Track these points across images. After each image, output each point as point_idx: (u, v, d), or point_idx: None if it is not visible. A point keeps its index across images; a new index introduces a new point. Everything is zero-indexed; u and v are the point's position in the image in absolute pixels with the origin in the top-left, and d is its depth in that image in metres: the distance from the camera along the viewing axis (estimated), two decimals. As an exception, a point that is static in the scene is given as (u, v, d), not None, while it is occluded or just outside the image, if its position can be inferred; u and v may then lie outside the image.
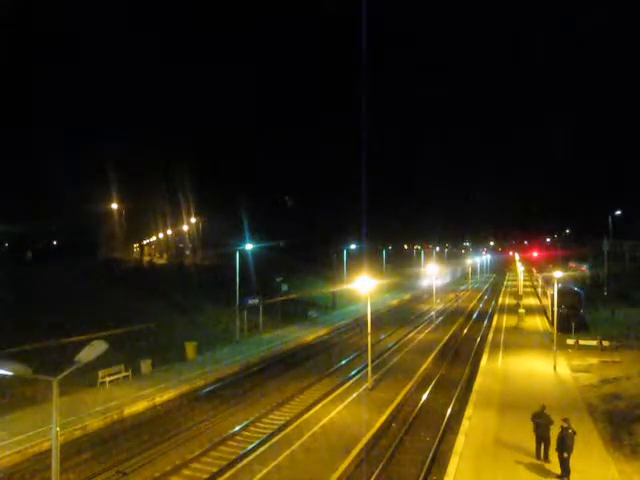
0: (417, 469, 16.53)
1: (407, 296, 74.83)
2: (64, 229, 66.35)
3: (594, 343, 32.82)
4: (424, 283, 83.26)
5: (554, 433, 15.30)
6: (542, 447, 15.80)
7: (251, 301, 39.72)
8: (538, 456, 15.82)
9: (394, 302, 66.18)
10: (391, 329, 43.81)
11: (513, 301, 63.33)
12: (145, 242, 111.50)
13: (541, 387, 24.37)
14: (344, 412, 21.33)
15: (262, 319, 40.52)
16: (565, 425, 14.76)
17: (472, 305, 65.90)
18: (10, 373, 9.35)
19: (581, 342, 33.36)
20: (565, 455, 14.51)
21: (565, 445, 14.50)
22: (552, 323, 35.96)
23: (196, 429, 20.14)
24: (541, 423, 15.75)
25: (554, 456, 15.13)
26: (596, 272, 67.01)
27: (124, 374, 25.60)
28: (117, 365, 25.47)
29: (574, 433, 14.67)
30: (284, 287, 52.98)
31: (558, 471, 14.71)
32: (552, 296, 35.09)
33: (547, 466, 15.29)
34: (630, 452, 16.41)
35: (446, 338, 39.89)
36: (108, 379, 24.67)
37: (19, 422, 19.50)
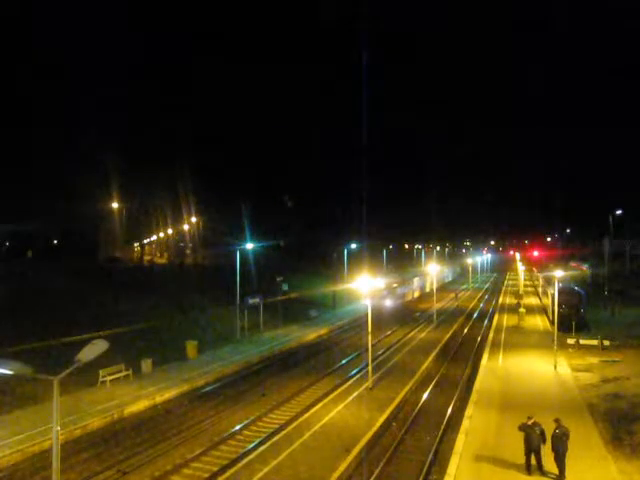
0: (417, 468, 16.54)
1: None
2: (64, 228, 66.36)
3: (595, 342, 32.79)
4: (424, 282, 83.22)
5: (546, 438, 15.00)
6: (532, 458, 15.05)
7: (252, 300, 39.71)
8: (529, 469, 14.96)
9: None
10: (391, 328, 43.79)
11: (514, 300, 63.20)
12: (146, 241, 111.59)
13: (541, 386, 24.37)
14: (344, 411, 21.35)
15: (263, 318, 40.52)
16: (557, 425, 14.75)
17: (472, 304, 65.88)
18: (11, 372, 9.37)
19: (581, 341, 33.35)
20: (560, 455, 14.49)
21: (560, 445, 14.48)
22: (553, 322, 35.99)
23: (197, 428, 20.15)
24: (533, 436, 14.91)
25: (548, 465, 14.98)
26: (597, 271, 66.94)
27: (125, 373, 25.61)
28: (118, 364, 25.48)
29: (568, 432, 14.66)
30: (284, 286, 52.98)
31: (556, 471, 14.70)
32: (553, 295, 35.09)
33: (545, 467, 15.21)
34: (630, 451, 16.41)
35: (446, 337, 39.89)
36: (109, 378, 24.68)
37: (20, 421, 19.53)
